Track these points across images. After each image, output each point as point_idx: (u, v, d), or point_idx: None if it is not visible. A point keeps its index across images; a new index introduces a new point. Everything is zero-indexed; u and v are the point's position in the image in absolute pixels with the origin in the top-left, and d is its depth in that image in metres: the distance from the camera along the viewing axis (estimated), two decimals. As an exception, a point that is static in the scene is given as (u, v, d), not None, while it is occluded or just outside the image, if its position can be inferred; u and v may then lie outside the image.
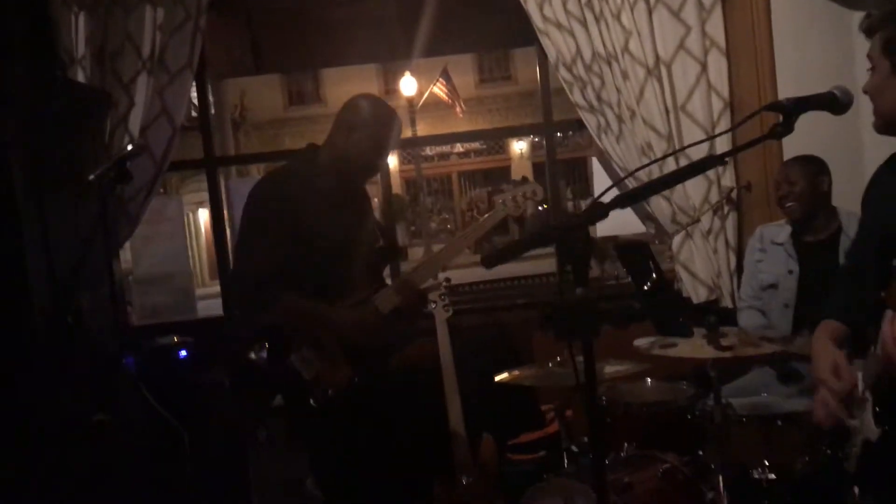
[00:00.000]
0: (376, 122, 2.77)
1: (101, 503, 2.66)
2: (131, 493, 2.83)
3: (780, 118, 1.56)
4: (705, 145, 3.38)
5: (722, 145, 3.48)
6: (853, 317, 1.79)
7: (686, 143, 3.45)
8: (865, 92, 1.74)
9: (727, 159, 3.17)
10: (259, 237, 2.68)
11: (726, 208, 3.59)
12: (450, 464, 2.96)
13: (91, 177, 2.28)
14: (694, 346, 2.57)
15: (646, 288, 2.00)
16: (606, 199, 1.50)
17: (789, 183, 3.09)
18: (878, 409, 1.56)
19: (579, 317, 1.27)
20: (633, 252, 2.05)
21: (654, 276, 2.01)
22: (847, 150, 3.28)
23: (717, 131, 3.49)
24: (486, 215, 2.83)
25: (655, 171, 3.31)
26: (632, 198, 1.47)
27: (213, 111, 6.99)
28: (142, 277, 4.08)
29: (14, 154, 2.59)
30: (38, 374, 2.50)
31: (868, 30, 1.73)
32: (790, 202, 3.08)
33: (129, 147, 2.58)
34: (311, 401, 2.62)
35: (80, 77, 3.54)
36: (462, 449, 2.89)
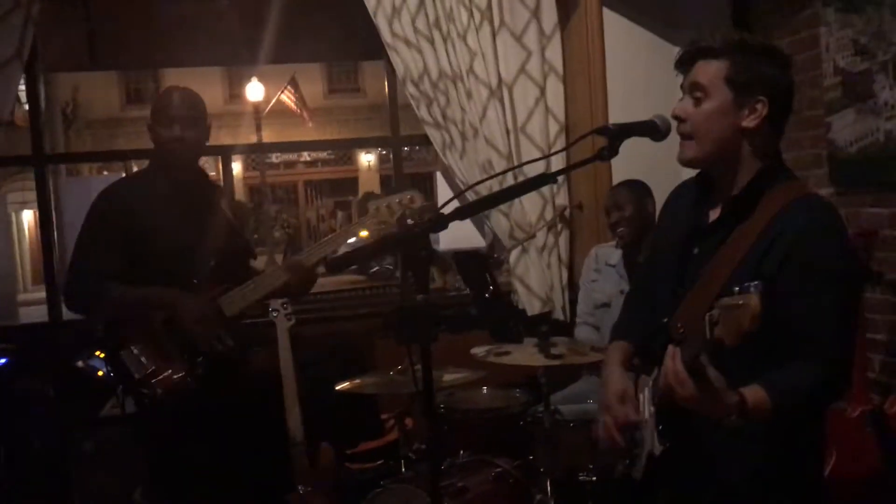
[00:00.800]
0: (165, 100, 2.76)
1: None
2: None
3: (607, 142, 1.68)
4: (541, 164, 3.56)
5: (557, 165, 3.68)
6: (641, 338, 1.86)
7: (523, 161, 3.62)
8: (679, 117, 1.72)
9: (559, 177, 3.32)
10: (95, 235, 2.69)
11: (559, 226, 3.79)
12: (289, 474, 2.95)
13: None
14: (526, 354, 2.70)
15: (485, 296, 2.09)
16: (447, 210, 1.57)
17: (619, 208, 3.21)
18: (661, 427, 1.67)
19: (419, 322, 1.33)
20: (471, 262, 2.13)
21: (489, 285, 2.10)
22: (667, 172, 3.52)
23: (553, 152, 3.68)
24: (359, 219, 2.79)
25: (495, 187, 3.45)
26: (470, 210, 1.54)
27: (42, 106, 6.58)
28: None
29: None
30: None
31: (700, 52, 1.70)
32: (621, 227, 3.20)
33: None
34: (135, 401, 2.53)
35: None
36: (301, 458, 2.89)
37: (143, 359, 2.59)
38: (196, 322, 2.59)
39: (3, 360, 3.27)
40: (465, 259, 2.42)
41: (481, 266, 2.11)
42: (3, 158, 3.68)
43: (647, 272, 2.00)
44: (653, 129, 1.73)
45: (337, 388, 2.90)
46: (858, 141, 3.03)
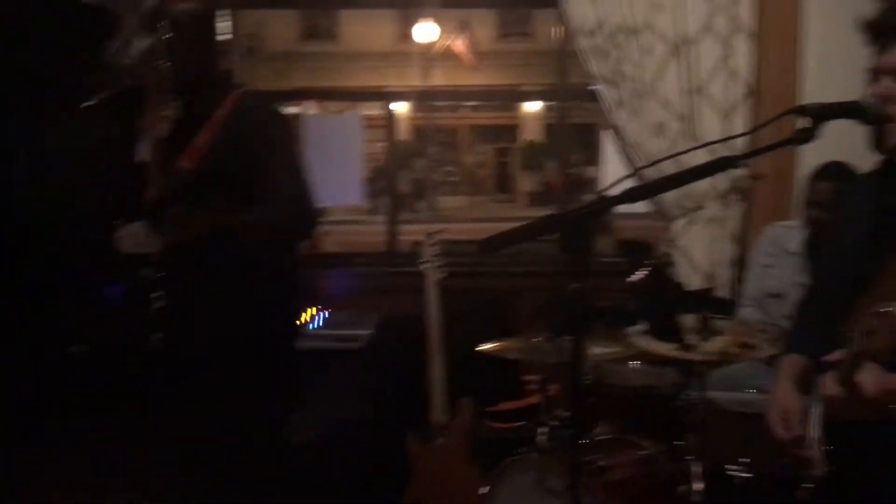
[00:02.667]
0: None
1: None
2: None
3: (809, 123, 1.46)
4: (720, 133, 3.31)
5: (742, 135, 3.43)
6: (817, 351, 1.64)
7: (700, 126, 3.39)
8: (887, 97, 1.53)
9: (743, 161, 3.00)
10: None
11: (734, 197, 3.52)
12: (427, 424, 2.97)
13: (85, 105, 2.23)
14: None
15: (648, 291, 1.93)
16: (615, 191, 1.43)
17: (820, 207, 2.83)
18: (828, 448, 1.53)
19: (572, 314, 1.22)
20: (636, 252, 1.97)
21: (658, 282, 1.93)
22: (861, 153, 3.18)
23: (736, 117, 3.41)
24: None
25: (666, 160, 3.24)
26: (639, 194, 1.39)
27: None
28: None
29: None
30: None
31: None
32: (817, 212, 2.86)
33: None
34: None
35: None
36: (440, 411, 2.90)
37: None
38: None
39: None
40: (630, 247, 2.25)
41: (646, 257, 1.94)
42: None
43: (825, 275, 1.79)
44: (860, 113, 1.50)
45: (480, 349, 2.84)
46: None
